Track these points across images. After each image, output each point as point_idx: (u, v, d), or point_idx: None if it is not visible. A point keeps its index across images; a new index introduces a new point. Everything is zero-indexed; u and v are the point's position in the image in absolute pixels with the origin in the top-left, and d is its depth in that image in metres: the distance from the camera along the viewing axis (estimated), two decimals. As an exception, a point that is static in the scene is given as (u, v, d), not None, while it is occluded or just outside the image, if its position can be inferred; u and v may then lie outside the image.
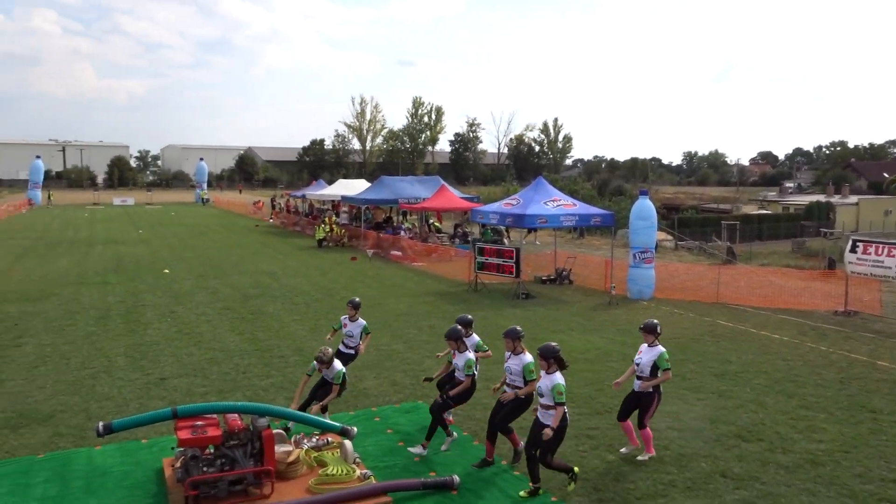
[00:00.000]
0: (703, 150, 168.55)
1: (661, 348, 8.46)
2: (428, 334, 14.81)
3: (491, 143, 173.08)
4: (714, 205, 69.42)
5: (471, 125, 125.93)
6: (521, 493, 7.52)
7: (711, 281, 19.97)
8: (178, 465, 7.51)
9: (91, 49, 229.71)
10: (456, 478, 7.71)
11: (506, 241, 30.25)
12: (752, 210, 61.78)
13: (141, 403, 10.26)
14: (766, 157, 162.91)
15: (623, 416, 8.60)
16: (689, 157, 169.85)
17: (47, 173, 75.58)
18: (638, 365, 8.49)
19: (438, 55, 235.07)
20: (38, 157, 72.75)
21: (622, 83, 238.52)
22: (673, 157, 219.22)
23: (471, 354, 8.63)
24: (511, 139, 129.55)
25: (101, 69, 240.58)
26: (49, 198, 66.89)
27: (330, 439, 8.49)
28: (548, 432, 7.24)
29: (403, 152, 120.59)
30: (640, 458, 8.42)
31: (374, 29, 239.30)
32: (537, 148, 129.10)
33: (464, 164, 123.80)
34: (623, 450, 8.62)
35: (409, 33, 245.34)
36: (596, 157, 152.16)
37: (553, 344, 7.78)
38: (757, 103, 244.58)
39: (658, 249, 23.87)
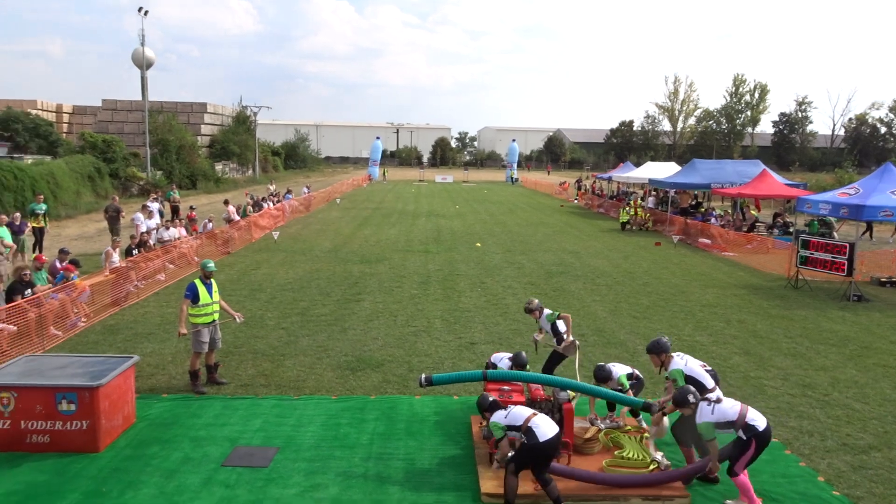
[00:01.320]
0: None
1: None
2: (737, 328, 13.88)
3: (823, 123, 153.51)
4: None
5: (800, 104, 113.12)
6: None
7: None
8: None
9: (424, 40, 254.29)
10: None
11: (835, 234, 26.86)
12: None
13: (453, 363, 11.30)
14: None
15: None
16: None
17: (383, 152, 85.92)
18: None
19: (762, 27, 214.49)
20: (377, 137, 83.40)
21: None
22: None
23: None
24: (850, 119, 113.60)
25: (431, 57, 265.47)
26: (384, 174, 76.33)
27: (625, 423, 8.49)
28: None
29: (718, 134, 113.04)
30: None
31: (688, 1, 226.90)
32: (884, 129, 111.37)
33: (788, 146, 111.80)
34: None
35: (727, 3, 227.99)
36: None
37: (489, 397, 7.62)
38: None
39: None
